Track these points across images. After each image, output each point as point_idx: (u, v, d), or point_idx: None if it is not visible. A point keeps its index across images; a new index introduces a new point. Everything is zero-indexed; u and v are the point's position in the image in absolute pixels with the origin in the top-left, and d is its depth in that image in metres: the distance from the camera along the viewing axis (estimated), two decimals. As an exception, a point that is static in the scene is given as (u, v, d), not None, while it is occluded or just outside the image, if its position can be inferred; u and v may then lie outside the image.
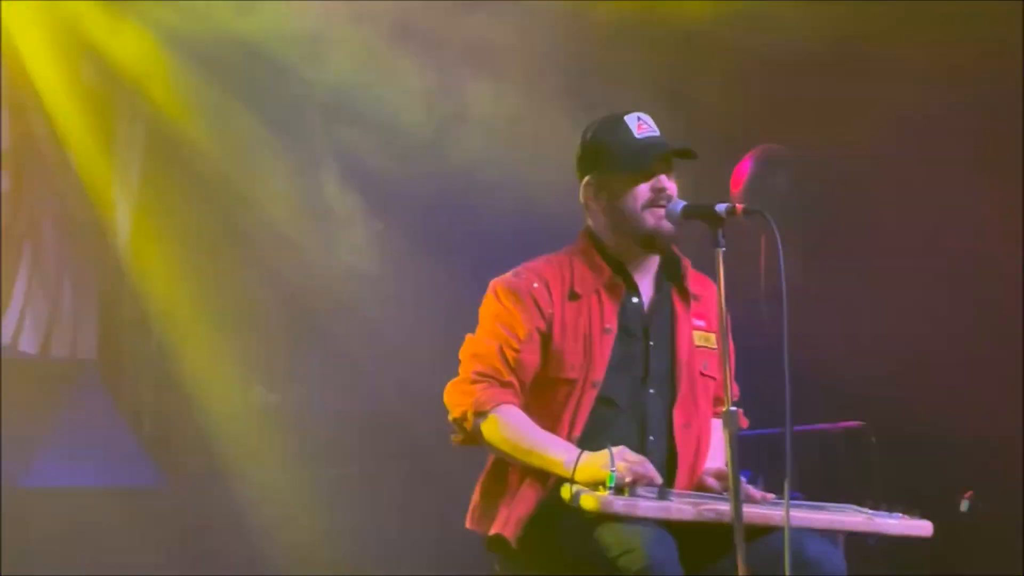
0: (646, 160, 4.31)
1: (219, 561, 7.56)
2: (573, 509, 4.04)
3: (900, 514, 4.29)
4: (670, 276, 4.48)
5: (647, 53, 8.16)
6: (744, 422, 4.34)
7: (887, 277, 7.08)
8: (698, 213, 4.11)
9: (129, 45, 8.12)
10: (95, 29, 8.04)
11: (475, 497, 4.42)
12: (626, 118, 4.41)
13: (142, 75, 8.22)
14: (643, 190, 4.31)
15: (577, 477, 4.05)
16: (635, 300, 4.42)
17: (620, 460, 4.03)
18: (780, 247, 3.93)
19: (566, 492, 4.02)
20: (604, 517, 3.97)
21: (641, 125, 4.37)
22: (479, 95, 8.00)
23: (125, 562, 7.37)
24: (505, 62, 8.02)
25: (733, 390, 4.09)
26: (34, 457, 7.63)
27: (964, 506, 4.28)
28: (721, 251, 4.00)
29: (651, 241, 4.36)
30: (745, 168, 6.85)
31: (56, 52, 8.05)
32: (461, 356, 4.35)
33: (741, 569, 3.71)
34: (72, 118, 8.06)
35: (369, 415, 7.68)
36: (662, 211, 4.30)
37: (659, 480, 4.08)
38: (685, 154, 4.39)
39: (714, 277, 4.08)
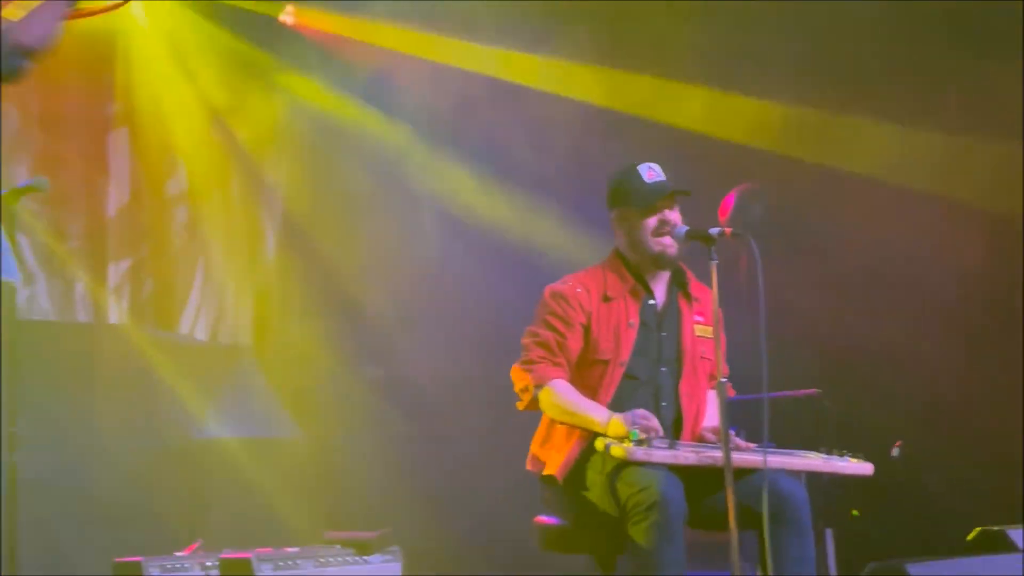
0: (652, 200, 4.46)
1: (338, 489, 7.56)
2: (604, 456, 4.19)
3: (848, 458, 4.42)
4: (677, 284, 4.62)
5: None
6: (731, 392, 4.38)
7: (840, 281, 7.09)
8: (697, 235, 4.26)
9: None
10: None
11: (532, 447, 4.56)
12: (639, 167, 4.50)
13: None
14: (651, 223, 4.46)
15: (608, 432, 4.19)
16: (651, 302, 4.54)
17: (638, 420, 4.19)
18: (758, 259, 4.08)
19: (599, 444, 4.15)
20: (627, 463, 4.11)
21: (650, 172, 4.49)
22: (530, 147, 7.87)
23: (272, 489, 7.44)
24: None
25: (723, 368, 4.27)
26: (206, 417, 7.66)
27: (895, 452, 4.35)
28: (715, 263, 4.17)
29: (658, 261, 4.50)
30: (730, 201, 6.84)
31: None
32: (523, 343, 4.48)
33: (730, 500, 3.87)
34: (227, 166, 8.11)
35: (452, 386, 7.59)
36: (667, 239, 4.46)
37: (662, 432, 4.22)
38: (683, 193, 4.50)
39: (710, 284, 4.26)
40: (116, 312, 7.67)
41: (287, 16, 8.13)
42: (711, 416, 4.57)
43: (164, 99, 7.81)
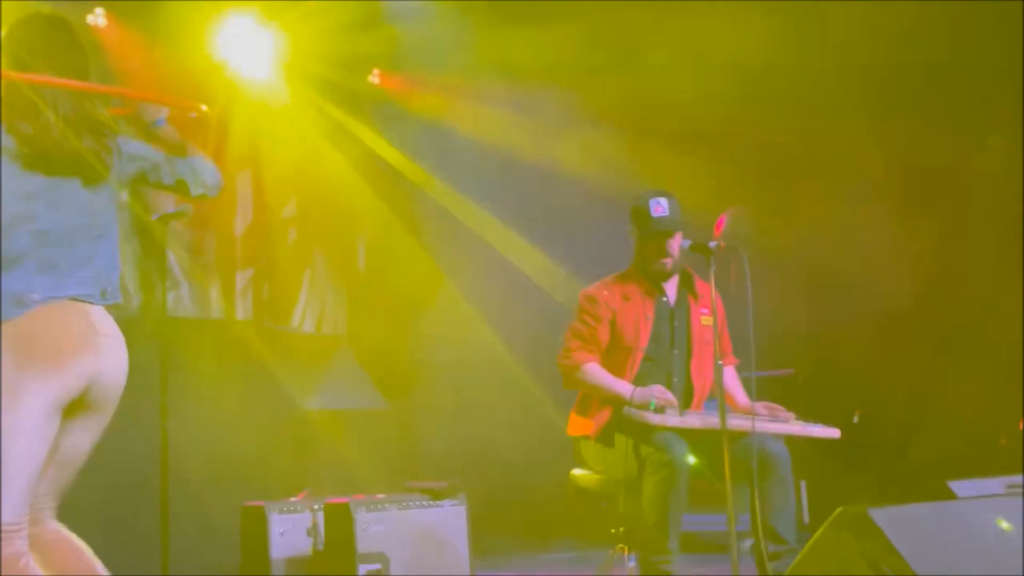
0: (655, 231, 4.45)
1: (415, 448, 7.62)
2: (628, 421, 4.19)
3: (820, 424, 4.39)
4: (686, 285, 4.63)
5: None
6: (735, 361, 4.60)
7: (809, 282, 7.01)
8: (698, 248, 4.25)
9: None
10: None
11: (571, 416, 4.57)
12: (650, 200, 4.49)
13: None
14: (652, 247, 4.48)
15: (632, 403, 4.19)
16: (664, 299, 4.56)
17: (656, 394, 4.19)
18: (746, 265, 4.06)
19: (626, 412, 4.16)
20: (646, 426, 4.12)
21: (657, 208, 4.47)
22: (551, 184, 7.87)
23: (363, 448, 7.40)
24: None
25: (728, 350, 4.30)
26: (312, 391, 7.67)
27: (855, 418, 4.33)
28: (712, 269, 4.14)
29: (657, 277, 4.53)
30: (722, 220, 6.78)
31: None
32: (565, 336, 4.53)
33: (726, 459, 3.85)
34: (327, 197, 8.05)
35: (503, 368, 7.58)
36: (666, 260, 4.47)
37: (675, 402, 4.22)
38: (677, 228, 4.48)
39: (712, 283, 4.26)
40: (242, 310, 7.72)
41: (374, 78, 8.17)
42: (735, 394, 4.62)
43: (278, 146, 7.85)
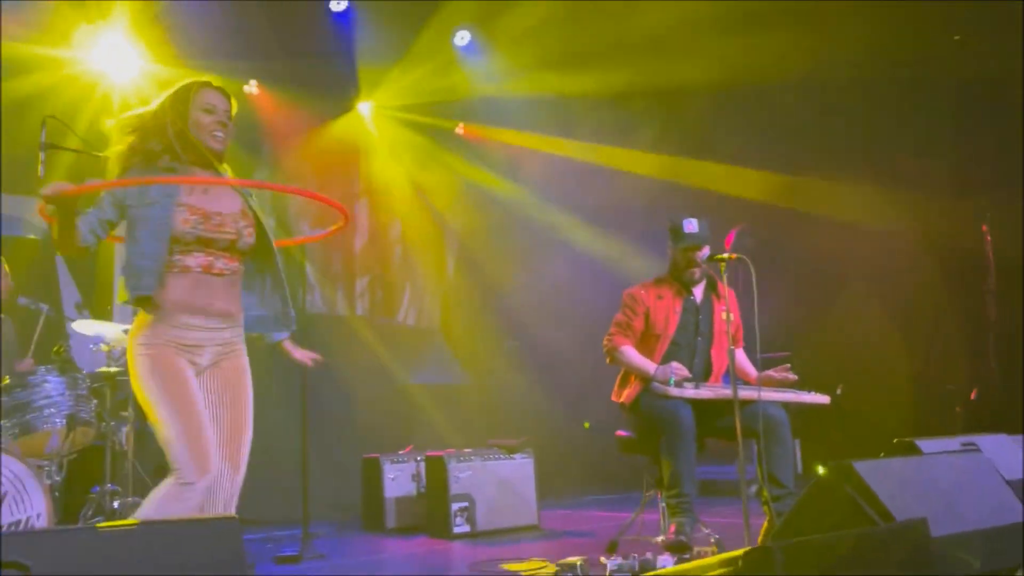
0: (686, 246, 4.40)
1: (494, 413, 7.44)
2: (651, 392, 4.18)
3: (813, 392, 4.33)
4: (711, 287, 4.57)
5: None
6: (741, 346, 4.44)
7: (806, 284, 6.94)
8: (714, 258, 4.20)
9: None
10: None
11: (614, 387, 4.55)
12: (684, 220, 4.41)
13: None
14: (684, 258, 4.44)
15: (656, 378, 4.19)
16: (692, 298, 4.51)
17: (674, 369, 4.17)
18: (753, 272, 4.01)
19: (651, 384, 4.16)
20: (663, 396, 4.12)
21: (689, 226, 4.41)
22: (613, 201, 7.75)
23: (453, 413, 7.41)
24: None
25: (740, 340, 4.23)
26: (413, 370, 7.67)
27: (839, 391, 4.27)
28: (725, 275, 4.11)
29: (687, 282, 4.48)
30: (732, 235, 6.69)
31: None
32: (613, 325, 4.51)
33: (737, 422, 3.81)
34: (425, 219, 8.14)
35: (565, 350, 7.51)
36: (694, 270, 4.42)
37: (690, 376, 4.19)
38: (705, 241, 4.42)
39: (729, 286, 4.23)
40: (360, 308, 7.80)
41: (459, 130, 8.21)
42: (747, 369, 4.53)
43: (387, 180, 7.91)
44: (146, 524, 2.40)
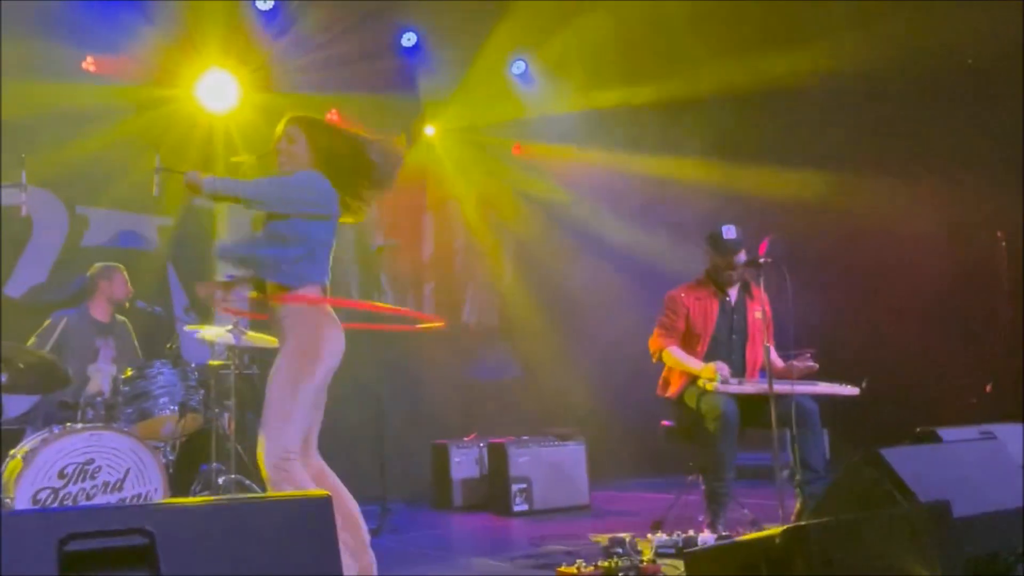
0: (726, 251, 4.37)
1: (548, 404, 7.37)
2: (698, 387, 4.16)
3: (843, 385, 4.27)
4: (744, 289, 4.54)
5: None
6: (772, 347, 4.29)
7: (836, 287, 6.70)
8: (750, 263, 4.20)
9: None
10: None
11: (659, 382, 4.54)
12: (723, 228, 4.40)
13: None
14: (723, 262, 4.41)
15: (702, 375, 4.16)
16: (728, 299, 4.49)
17: (720, 368, 4.14)
18: (787, 276, 3.99)
19: (699, 381, 4.14)
20: (710, 391, 4.09)
21: (728, 232, 4.39)
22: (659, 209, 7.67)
23: (510, 404, 7.38)
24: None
25: (770, 338, 4.19)
26: (476, 365, 7.69)
27: (864, 383, 4.20)
28: (761, 279, 4.09)
29: (724, 283, 4.45)
30: (765, 243, 6.55)
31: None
32: (656, 323, 4.49)
33: (773, 413, 3.80)
34: (485, 230, 8.15)
35: (614, 346, 7.39)
36: (732, 272, 4.39)
37: (733, 372, 4.16)
38: (742, 246, 4.39)
39: (761, 287, 4.20)
40: (428, 309, 7.82)
41: (514, 150, 8.24)
42: (778, 360, 4.42)
43: (450, 195, 7.97)
44: (247, 500, 2.47)
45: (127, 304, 4.94)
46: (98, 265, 5.01)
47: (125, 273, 4.98)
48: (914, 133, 6.39)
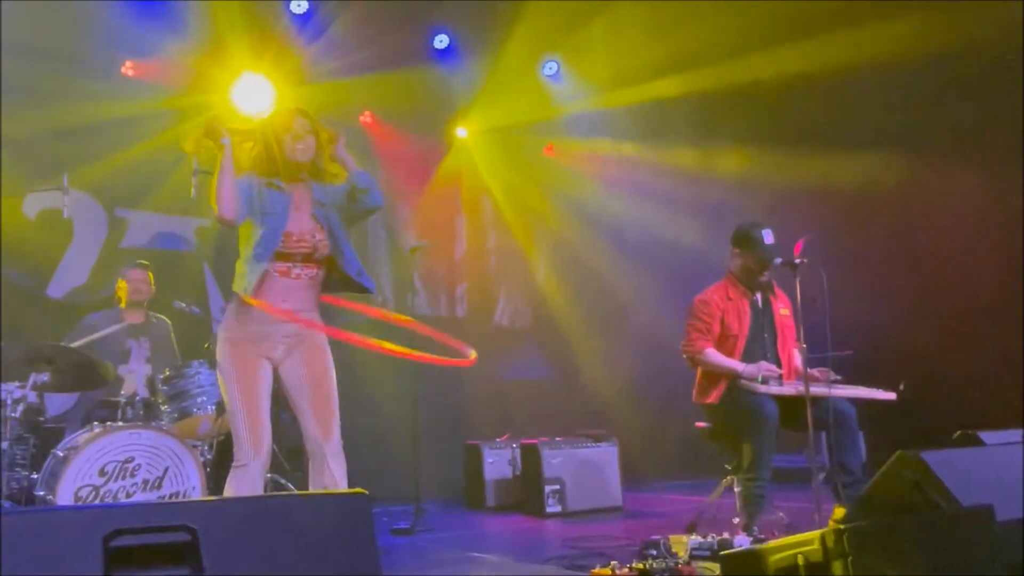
0: (767, 258, 4.27)
1: (580, 405, 7.37)
2: (738, 388, 4.12)
3: (880, 389, 4.21)
4: (767, 288, 4.48)
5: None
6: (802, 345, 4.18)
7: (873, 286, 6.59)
8: (787, 264, 4.12)
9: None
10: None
11: (695, 387, 4.48)
12: (763, 231, 4.32)
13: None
14: (754, 265, 4.35)
15: (744, 375, 4.12)
16: (755, 299, 4.44)
17: (763, 369, 4.10)
18: (824, 277, 3.94)
19: (743, 382, 4.10)
20: (749, 391, 4.05)
21: (767, 236, 4.31)
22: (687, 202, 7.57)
23: (543, 405, 7.33)
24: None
25: (801, 337, 4.14)
26: (508, 366, 7.65)
27: (901, 386, 4.13)
28: (798, 279, 4.03)
29: (754, 283, 4.40)
30: (800, 244, 6.44)
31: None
32: (686, 330, 4.42)
33: (810, 414, 3.75)
34: (518, 231, 8.12)
35: (648, 347, 7.29)
36: (766, 274, 4.34)
37: (778, 373, 4.13)
38: (792, 266, 4.26)
39: (786, 291, 4.17)
40: (460, 310, 7.87)
41: (547, 150, 8.23)
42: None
43: (483, 195, 7.99)
44: (287, 497, 2.50)
45: (145, 303, 5.00)
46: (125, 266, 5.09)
47: (146, 271, 5.01)
48: (961, 122, 6.24)
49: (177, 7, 5.93)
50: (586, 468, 5.62)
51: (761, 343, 4.39)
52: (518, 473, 5.90)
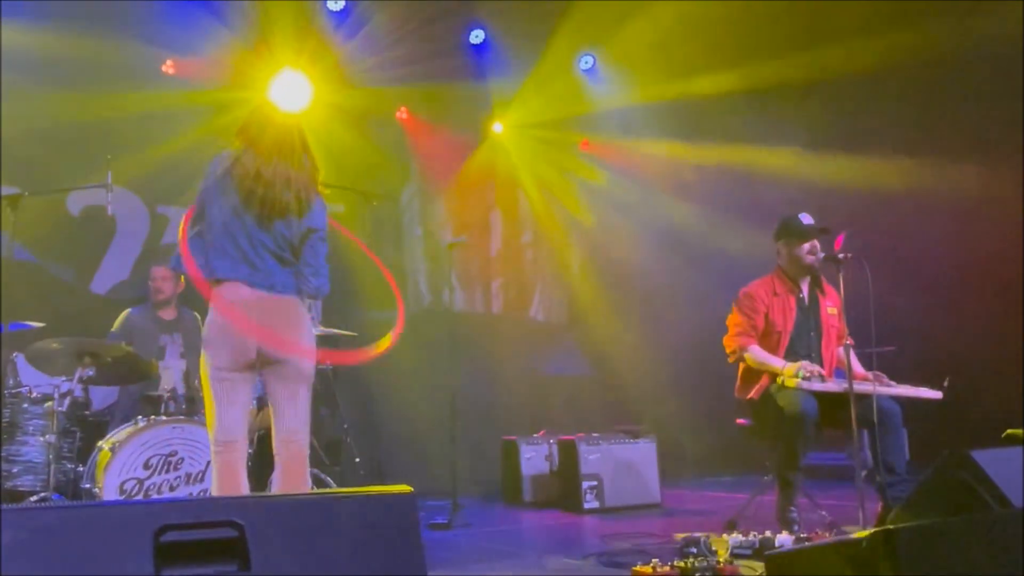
0: (808, 234, 4.27)
1: (616, 402, 7.31)
2: (778, 386, 4.08)
3: (925, 388, 4.14)
4: (815, 284, 4.44)
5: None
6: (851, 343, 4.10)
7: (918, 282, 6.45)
8: (830, 258, 4.06)
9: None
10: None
11: (737, 383, 4.44)
12: (799, 215, 4.30)
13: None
14: (806, 247, 4.30)
15: (786, 373, 4.07)
16: (801, 296, 4.39)
17: (805, 367, 4.04)
18: (868, 271, 3.87)
19: (785, 380, 4.05)
20: (789, 389, 4.00)
21: (805, 218, 4.29)
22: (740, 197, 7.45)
23: (578, 402, 7.38)
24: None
25: (843, 335, 4.08)
26: (545, 362, 7.71)
27: (945, 383, 4.04)
28: (841, 274, 3.97)
29: (808, 270, 4.34)
30: (841, 238, 6.32)
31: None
32: (728, 324, 4.40)
33: (854, 412, 3.70)
34: (553, 226, 8.15)
35: (682, 346, 7.35)
36: (812, 257, 4.28)
37: (820, 372, 4.07)
38: (824, 231, 4.27)
39: (834, 285, 4.09)
40: (496, 306, 7.90)
41: (582, 146, 8.20)
42: (857, 366, 4.30)
43: (519, 191, 7.99)
44: (333, 494, 2.51)
45: (170, 300, 5.07)
46: None
47: (164, 269, 5.04)
48: (1008, 120, 6.13)
49: (219, 6, 6.00)
50: (624, 464, 5.59)
51: (806, 341, 4.34)
52: (555, 469, 5.89)
